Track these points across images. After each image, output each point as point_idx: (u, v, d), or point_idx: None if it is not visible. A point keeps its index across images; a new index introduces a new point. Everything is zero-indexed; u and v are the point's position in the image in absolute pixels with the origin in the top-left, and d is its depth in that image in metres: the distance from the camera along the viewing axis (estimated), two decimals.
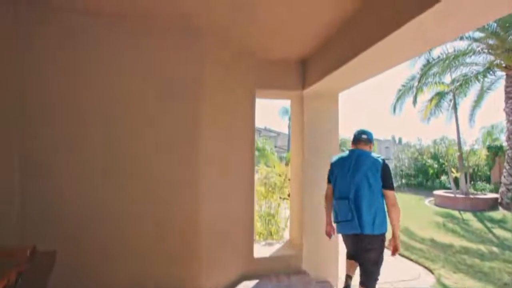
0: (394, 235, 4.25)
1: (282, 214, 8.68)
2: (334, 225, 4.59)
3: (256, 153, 11.72)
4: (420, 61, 18.39)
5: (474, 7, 2.91)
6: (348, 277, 4.48)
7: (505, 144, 19.90)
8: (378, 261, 4.27)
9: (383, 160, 4.26)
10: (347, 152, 4.50)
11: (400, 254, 9.08)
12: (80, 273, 4.36)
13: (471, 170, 21.58)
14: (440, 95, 19.98)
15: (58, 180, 4.33)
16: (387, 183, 4.15)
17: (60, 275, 3.81)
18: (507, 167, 18.07)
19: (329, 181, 4.64)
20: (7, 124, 4.13)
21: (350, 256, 4.56)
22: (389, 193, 4.12)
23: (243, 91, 5.85)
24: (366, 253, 4.25)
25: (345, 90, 6.14)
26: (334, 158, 4.62)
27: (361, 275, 4.33)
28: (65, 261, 3.93)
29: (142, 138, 4.64)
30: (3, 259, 2.95)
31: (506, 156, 18.26)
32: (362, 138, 4.48)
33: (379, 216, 4.12)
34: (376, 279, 4.30)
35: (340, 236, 4.87)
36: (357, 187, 4.15)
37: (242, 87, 5.81)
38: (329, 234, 4.75)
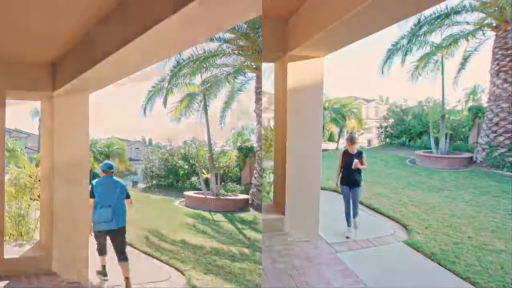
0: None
1: (32, 215, 9.31)
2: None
3: (7, 154, 12.03)
4: (170, 63, 19.60)
5: (224, 10, 3.19)
6: (103, 266, 7.83)
7: (255, 145, 22.46)
8: (125, 240, 7.55)
9: (124, 183, 7.87)
10: (102, 179, 7.64)
11: (151, 256, 10.40)
12: None
13: (221, 171, 23.42)
14: (191, 96, 21.64)
15: None
16: (128, 195, 7.75)
17: None
18: (258, 168, 19.94)
19: (92, 196, 7.39)
20: None
21: (102, 252, 7.66)
22: (128, 200, 7.73)
23: None
24: (118, 238, 7.43)
25: (96, 91, 7.17)
26: (95, 183, 7.55)
27: (118, 254, 7.36)
28: None
29: None
30: None
31: (257, 157, 20.51)
32: (110, 171, 7.65)
33: (124, 215, 7.50)
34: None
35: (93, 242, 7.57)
36: (116, 200, 7.39)
37: None
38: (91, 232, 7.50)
